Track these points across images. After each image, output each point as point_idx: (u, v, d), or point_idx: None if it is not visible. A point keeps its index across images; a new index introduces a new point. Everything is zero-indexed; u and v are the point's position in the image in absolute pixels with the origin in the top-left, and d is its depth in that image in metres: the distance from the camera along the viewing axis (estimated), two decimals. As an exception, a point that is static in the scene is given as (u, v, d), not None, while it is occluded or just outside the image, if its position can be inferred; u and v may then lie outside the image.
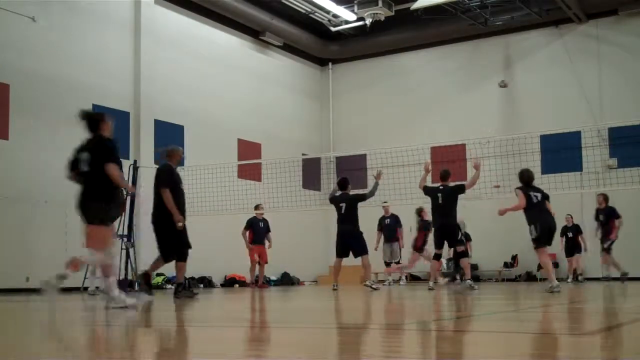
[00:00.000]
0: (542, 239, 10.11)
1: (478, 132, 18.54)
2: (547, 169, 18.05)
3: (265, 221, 16.05)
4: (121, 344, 4.44)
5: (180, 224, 9.32)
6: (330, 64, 23.99)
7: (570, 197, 17.70)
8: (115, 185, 7.14)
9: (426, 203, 14.06)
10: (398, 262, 16.83)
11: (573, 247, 17.03)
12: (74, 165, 7.36)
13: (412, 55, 22.62)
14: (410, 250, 15.87)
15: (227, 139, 19.86)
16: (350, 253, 12.46)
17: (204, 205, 15.27)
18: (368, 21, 19.20)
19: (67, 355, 3.78)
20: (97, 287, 12.24)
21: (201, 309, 7.86)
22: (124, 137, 16.85)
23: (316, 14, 20.78)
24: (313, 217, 21.24)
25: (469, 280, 11.98)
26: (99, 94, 16.47)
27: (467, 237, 17.55)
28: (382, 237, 16.57)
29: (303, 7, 20.25)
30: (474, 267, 20.48)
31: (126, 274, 14.54)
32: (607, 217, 15.64)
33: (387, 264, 16.52)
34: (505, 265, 20.24)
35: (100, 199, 7.06)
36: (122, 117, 17.10)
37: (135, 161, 15.30)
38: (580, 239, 17.12)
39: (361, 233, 12.37)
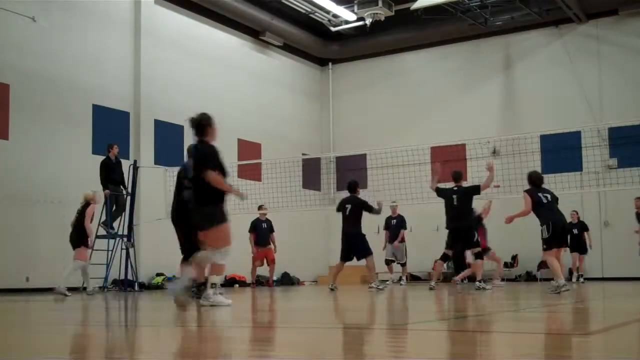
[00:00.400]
0: (553, 241, 9.82)
1: (478, 132, 18.54)
2: (547, 169, 18.03)
3: (268, 222, 16.07)
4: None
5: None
6: (330, 64, 23.99)
7: (570, 197, 17.68)
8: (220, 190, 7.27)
9: (431, 202, 14.10)
10: (404, 264, 16.74)
11: (579, 244, 16.63)
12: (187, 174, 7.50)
13: (412, 55, 22.61)
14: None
15: (227, 139, 19.82)
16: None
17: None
18: (368, 21, 19.19)
19: (67, 355, 3.78)
20: (95, 287, 12.24)
21: (206, 310, 7.85)
22: (124, 137, 16.87)
23: (316, 14, 20.78)
24: (313, 217, 21.24)
25: (478, 282, 11.98)
26: (99, 94, 16.47)
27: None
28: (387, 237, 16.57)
29: (303, 7, 20.24)
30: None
31: (126, 274, 14.55)
32: None
33: (388, 262, 16.46)
34: (505, 265, 20.21)
35: (210, 202, 7.22)
36: (122, 117, 17.12)
37: (135, 161, 15.31)
38: (586, 236, 16.77)
39: (363, 235, 12.35)
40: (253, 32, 21.00)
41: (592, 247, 16.99)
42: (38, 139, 15.09)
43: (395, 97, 22.60)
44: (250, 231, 15.87)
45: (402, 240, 16.59)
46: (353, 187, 12.60)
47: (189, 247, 8.96)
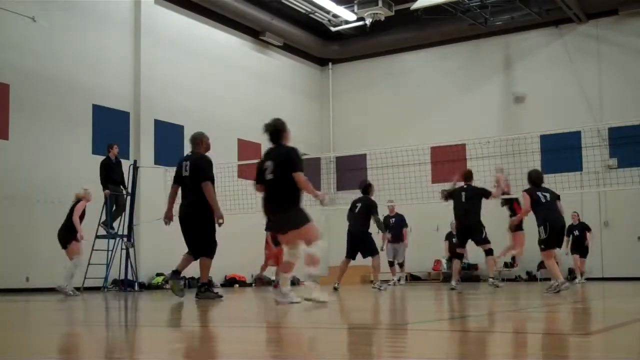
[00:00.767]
0: (550, 241, 9.78)
1: (478, 132, 18.54)
2: (547, 169, 17.98)
3: None
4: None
5: (221, 221, 9.04)
6: (330, 64, 23.99)
7: (570, 197, 17.68)
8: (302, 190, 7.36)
9: (431, 202, 14.10)
10: (402, 264, 16.64)
11: (580, 246, 16.50)
12: (260, 177, 7.55)
13: (412, 55, 22.61)
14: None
15: (227, 139, 19.85)
16: (359, 254, 12.54)
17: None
18: (368, 21, 19.19)
19: (68, 355, 3.78)
20: (75, 288, 12.00)
21: (205, 310, 7.85)
22: (124, 137, 16.87)
23: (316, 14, 20.78)
24: (313, 217, 21.16)
25: (491, 279, 11.94)
26: (99, 94, 16.48)
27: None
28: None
29: (303, 7, 20.24)
30: (474, 267, 20.48)
31: (126, 274, 14.55)
32: None
33: (391, 264, 16.28)
34: (505, 265, 20.21)
35: (295, 202, 7.26)
36: (122, 117, 17.12)
37: (135, 161, 15.31)
38: (588, 237, 16.58)
39: (370, 234, 12.42)
40: (253, 32, 21.00)
41: (592, 248, 16.87)
42: (38, 139, 15.09)
43: (395, 97, 22.60)
44: (267, 229, 15.77)
45: (402, 240, 16.41)
46: (367, 190, 12.66)
47: (194, 246, 9.05)
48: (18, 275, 14.29)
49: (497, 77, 21.44)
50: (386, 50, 22.72)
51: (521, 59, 21.15)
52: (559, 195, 10.32)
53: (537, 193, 9.83)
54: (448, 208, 18.88)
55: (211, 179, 9.04)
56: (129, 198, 14.84)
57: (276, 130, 7.60)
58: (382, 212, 16.17)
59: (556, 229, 9.76)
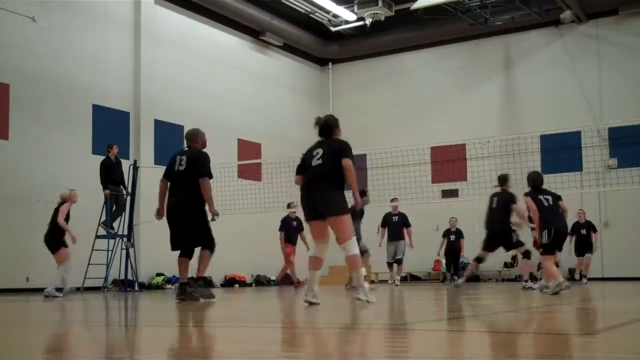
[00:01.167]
0: (552, 246, 9.63)
1: (478, 132, 18.54)
2: (547, 169, 18.02)
3: (298, 220, 15.76)
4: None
5: (217, 218, 8.96)
6: (330, 64, 23.99)
7: (570, 197, 17.68)
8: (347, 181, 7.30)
9: (431, 202, 14.08)
10: (401, 260, 16.02)
11: (585, 246, 15.90)
12: (302, 168, 7.50)
13: (412, 55, 22.61)
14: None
15: (227, 139, 19.85)
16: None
17: (203, 205, 15.24)
18: (368, 21, 19.19)
19: (69, 355, 3.78)
20: (57, 289, 11.72)
21: (206, 310, 7.86)
22: (124, 137, 16.87)
23: (316, 14, 20.78)
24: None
25: (524, 282, 11.91)
26: (99, 94, 16.48)
27: (461, 235, 17.65)
28: (386, 235, 15.89)
29: (303, 7, 20.24)
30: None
31: (126, 274, 14.55)
32: None
33: (390, 265, 15.89)
34: (505, 265, 20.23)
35: (340, 187, 7.19)
36: (122, 117, 17.12)
37: (135, 161, 15.32)
38: (593, 237, 16.05)
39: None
40: (253, 32, 21.00)
41: (595, 248, 16.50)
42: (38, 139, 15.09)
43: (395, 97, 22.59)
44: (280, 229, 15.78)
45: (403, 238, 15.92)
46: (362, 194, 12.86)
47: (181, 243, 8.88)
48: (18, 275, 14.28)
49: (497, 77, 21.44)
50: (386, 50, 22.72)
51: (521, 59, 21.15)
52: (559, 196, 10.18)
53: (539, 197, 9.68)
54: (448, 208, 18.99)
55: (210, 175, 8.95)
56: (129, 198, 14.84)
57: (328, 125, 7.54)
58: (385, 210, 16.10)
59: (559, 235, 9.60)
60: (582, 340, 4.01)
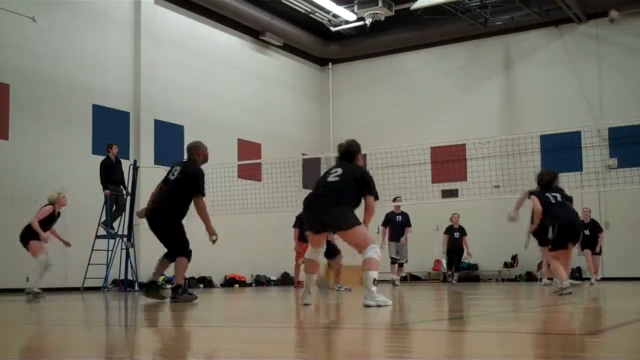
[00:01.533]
0: (559, 242, 9.34)
1: (478, 132, 18.54)
2: (547, 168, 18.02)
3: None
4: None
5: (215, 238, 8.67)
6: (330, 64, 23.99)
7: (570, 197, 17.69)
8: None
9: (431, 202, 14.00)
10: (402, 264, 16.02)
11: (591, 244, 15.26)
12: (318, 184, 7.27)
13: (412, 55, 22.61)
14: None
15: (227, 139, 19.86)
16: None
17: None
18: (368, 21, 19.20)
19: (69, 355, 3.78)
20: (37, 290, 11.29)
21: (207, 310, 7.86)
22: (124, 137, 16.87)
23: (316, 14, 20.78)
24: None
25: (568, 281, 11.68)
26: (99, 94, 16.48)
27: (464, 233, 17.12)
28: (388, 234, 15.70)
29: (303, 7, 20.25)
30: (474, 267, 20.47)
31: (126, 274, 14.56)
32: None
33: (394, 261, 15.63)
34: (505, 265, 20.24)
35: (349, 205, 6.99)
36: (122, 117, 17.12)
37: (135, 161, 15.32)
38: (599, 237, 15.54)
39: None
40: (253, 32, 21.00)
41: (600, 247, 15.83)
42: (38, 139, 15.09)
43: (395, 97, 22.60)
44: (294, 226, 15.58)
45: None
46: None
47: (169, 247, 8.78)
48: (18, 275, 14.27)
49: (497, 77, 21.44)
50: (386, 50, 22.72)
51: (521, 59, 21.15)
52: (571, 197, 9.90)
53: (546, 195, 9.49)
54: (448, 208, 18.97)
55: (203, 193, 8.69)
56: (129, 198, 14.84)
57: (349, 151, 7.36)
58: (387, 209, 15.94)
59: (565, 229, 9.31)
60: (582, 341, 4.01)
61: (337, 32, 22.05)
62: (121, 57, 17.16)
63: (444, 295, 11.05)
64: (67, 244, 11.78)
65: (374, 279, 6.75)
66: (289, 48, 22.33)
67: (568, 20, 20.12)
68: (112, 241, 14.77)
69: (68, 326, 5.90)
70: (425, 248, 19.79)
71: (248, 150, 20.34)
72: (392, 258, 15.56)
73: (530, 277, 19.36)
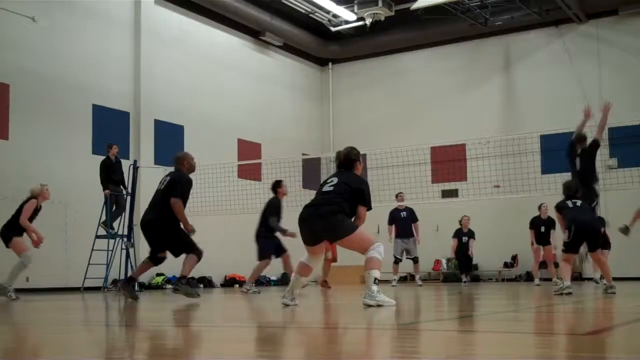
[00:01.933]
0: (573, 245, 9.35)
1: (478, 132, 18.54)
2: (547, 169, 18.04)
3: None
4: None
5: (193, 233, 9.11)
6: (330, 64, 23.99)
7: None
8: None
9: (431, 202, 13.96)
10: (417, 260, 15.61)
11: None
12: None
13: (412, 55, 22.61)
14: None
15: (227, 139, 19.86)
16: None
17: (203, 206, 15.26)
18: (368, 21, 19.19)
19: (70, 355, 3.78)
20: (12, 292, 10.98)
21: (206, 310, 7.86)
22: (124, 137, 16.87)
23: (316, 14, 20.78)
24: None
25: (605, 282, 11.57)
26: (99, 94, 16.48)
27: (471, 235, 16.54)
28: (394, 231, 15.47)
29: (303, 7, 20.25)
30: (474, 267, 20.46)
31: (126, 274, 14.54)
32: None
33: (397, 261, 15.46)
34: (505, 265, 20.23)
35: (345, 213, 6.87)
36: (122, 117, 17.12)
37: (135, 161, 15.32)
38: (605, 234, 14.56)
39: (263, 236, 12.33)
40: (253, 32, 21.00)
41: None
42: (38, 139, 15.09)
43: (396, 97, 22.60)
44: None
45: (412, 235, 15.49)
46: (274, 187, 12.89)
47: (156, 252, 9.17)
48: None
49: (497, 77, 21.44)
50: (386, 50, 22.72)
51: (521, 59, 21.15)
52: (593, 207, 9.97)
53: (566, 202, 9.60)
54: (448, 208, 18.94)
55: (181, 196, 9.02)
56: (129, 198, 14.84)
57: (349, 159, 7.22)
58: (390, 205, 15.77)
59: (581, 232, 9.29)
60: (581, 340, 4.01)
61: (337, 32, 22.05)
62: (121, 57, 17.16)
63: (444, 296, 11.05)
64: (38, 242, 11.19)
65: (375, 279, 6.70)
66: (289, 48, 22.33)
67: (568, 20, 20.12)
68: (112, 241, 14.77)
69: (68, 326, 5.90)
70: (425, 248, 19.69)
71: (248, 150, 20.34)
72: (395, 258, 15.35)
73: (530, 277, 19.34)
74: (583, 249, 9.96)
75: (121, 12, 17.26)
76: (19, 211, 10.99)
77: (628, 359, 3.31)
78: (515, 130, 19.41)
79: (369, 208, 7.05)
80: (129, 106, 17.26)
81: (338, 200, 6.87)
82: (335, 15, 20.79)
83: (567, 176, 16.68)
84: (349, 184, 6.98)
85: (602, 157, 18.73)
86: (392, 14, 18.95)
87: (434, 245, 19.25)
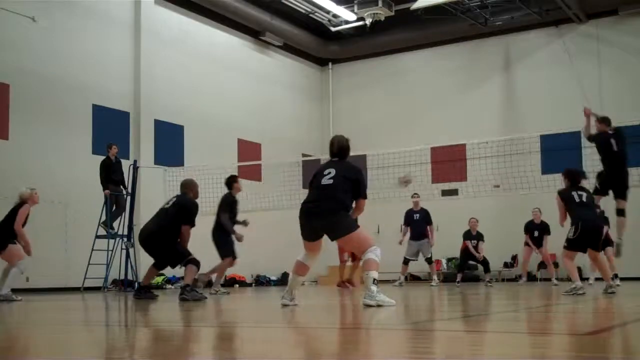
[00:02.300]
0: (577, 243, 9.19)
1: (478, 132, 18.53)
2: (547, 169, 18.04)
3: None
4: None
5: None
6: (330, 64, 23.99)
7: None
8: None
9: (431, 202, 13.96)
10: (430, 260, 15.49)
11: (602, 242, 14.56)
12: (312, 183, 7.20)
13: (412, 55, 22.61)
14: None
15: (227, 139, 19.86)
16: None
17: (203, 206, 15.18)
18: (368, 21, 19.19)
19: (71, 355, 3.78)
20: (8, 292, 10.63)
21: (207, 310, 7.86)
22: (124, 137, 16.87)
23: (316, 14, 20.78)
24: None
25: (618, 240, 11.33)
26: (99, 94, 16.49)
27: (480, 237, 15.85)
28: (410, 233, 15.33)
29: (303, 7, 20.25)
30: (474, 267, 20.45)
31: (126, 274, 14.56)
32: None
33: (406, 261, 15.31)
34: (505, 265, 20.23)
35: (347, 210, 6.94)
36: (122, 117, 17.12)
37: (135, 161, 15.32)
38: (607, 233, 14.17)
39: (222, 234, 12.03)
40: (253, 32, 21.00)
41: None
42: (38, 139, 15.09)
43: (396, 97, 22.60)
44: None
45: (426, 237, 15.30)
46: (228, 183, 12.56)
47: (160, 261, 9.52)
48: (18, 275, 14.26)
49: (497, 77, 21.44)
50: (386, 50, 22.72)
51: (521, 59, 21.15)
52: (594, 199, 9.70)
53: (572, 193, 9.31)
54: (448, 208, 18.94)
55: (193, 224, 9.47)
56: (129, 198, 14.84)
57: (343, 148, 7.32)
58: (405, 206, 15.70)
59: (587, 231, 9.16)
60: (581, 340, 4.01)
61: (337, 32, 22.05)
62: (121, 57, 17.16)
63: (444, 296, 11.06)
64: (29, 250, 10.63)
65: (374, 279, 6.70)
66: (289, 48, 22.34)
67: (568, 20, 20.12)
68: (112, 241, 14.77)
69: (68, 326, 5.91)
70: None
71: (248, 150, 20.34)
72: (405, 258, 15.25)
73: (530, 277, 19.34)
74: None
75: (121, 12, 17.26)
76: (11, 216, 10.59)
77: (628, 359, 3.31)
78: (515, 130, 19.40)
79: (365, 197, 7.08)
80: (129, 106, 17.27)
81: (339, 196, 6.86)
82: (335, 15, 20.79)
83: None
84: (347, 177, 6.98)
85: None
86: (392, 14, 18.95)
87: (434, 245, 19.22)
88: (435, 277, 15.70)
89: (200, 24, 19.50)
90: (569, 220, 9.50)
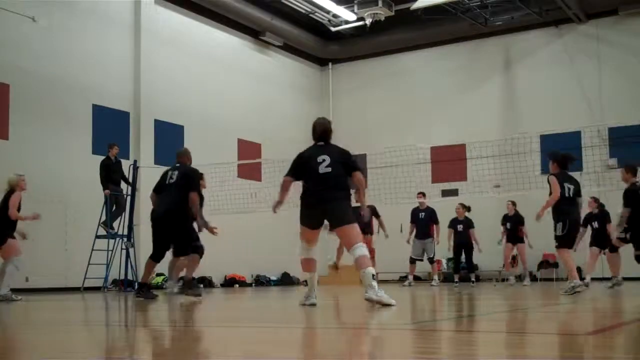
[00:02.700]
0: (568, 239, 9.26)
1: (478, 132, 18.52)
2: (547, 169, 17.92)
3: (372, 207, 14.51)
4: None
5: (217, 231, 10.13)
6: (330, 64, 23.99)
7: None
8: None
9: (431, 202, 13.94)
10: (433, 259, 15.54)
11: (602, 239, 13.50)
12: (301, 173, 7.50)
13: (412, 55, 22.61)
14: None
15: (227, 139, 19.86)
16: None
17: (203, 206, 15.24)
18: (368, 21, 19.19)
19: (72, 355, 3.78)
20: (8, 292, 10.50)
21: (207, 310, 7.86)
22: (124, 137, 16.86)
23: (316, 14, 20.78)
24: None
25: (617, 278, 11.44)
26: (99, 94, 16.48)
27: (471, 225, 15.83)
28: (415, 231, 15.42)
29: (303, 7, 20.24)
30: (474, 267, 20.43)
31: (126, 274, 14.55)
32: None
33: (412, 261, 15.37)
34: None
35: (348, 197, 7.18)
36: (122, 117, 17.12)
37: (135, 161, 15.31)
38: (608, 229, 13.74)
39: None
40: (253, 32, 21.00)
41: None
42: (38, 139, 15.09)
43: (395, 97, 22.60)
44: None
45: (431, 236, 15.41)
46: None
47: (162, 250, 9.53)
48: (18, 275, 14.25)
49: (497, 77, 21.44)
50: (386, 50, 22.72)
51: (521, 59, 21.15)
52: (579, 190, 9.54)
53: (564, 184, 9.21)
54: (448, 207, 18.93)
55: (199, 191, 9.72)
56: (129, 198, 14.84)
57: (327, 130, 7.48)
58: (406, 207, 15.76)
59: (575, 227, 9.32)
60: (581, 340, 4.01)
61: (337, 32, 22.05)
62: (121, 57, 17.16)
63: (444, 296, 11.06)
64: (36, 217, 10.71)
65: (373, 274, 6.75)
66: (289, 48, 22.33)
67: (568, 20, 20.12)
68: (112, 241, 14.77)
69: (68, 326, 5.91)
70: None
71: (248, 150, 20.34)
72: (411, 258, 15.35)
73: (530, 277, 19.31)
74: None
75: (121, 12, 17.25)
76: (3, 207, 10.30)
77: (628, 359, 3.31)
78: (515, 130, 19.39)
79: (359, 169, 7.28)
80: (129, 106, 17.26)
81: (341, 182, 7.10)
82: (335, 15, 20.79)
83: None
84: (340, 161, 7.18)
85: (602, 157, 18.74)
86: (392, 14, 18.94)
87: (439, 244, 19.22)
88: (435, 277, 15.79)
89: (200, 24, 19.50)
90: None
